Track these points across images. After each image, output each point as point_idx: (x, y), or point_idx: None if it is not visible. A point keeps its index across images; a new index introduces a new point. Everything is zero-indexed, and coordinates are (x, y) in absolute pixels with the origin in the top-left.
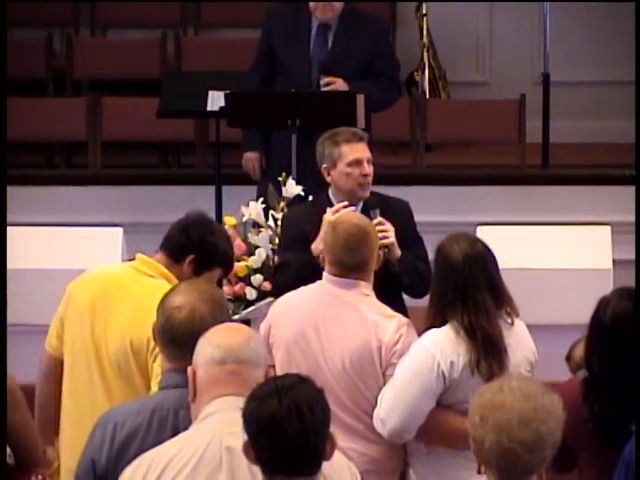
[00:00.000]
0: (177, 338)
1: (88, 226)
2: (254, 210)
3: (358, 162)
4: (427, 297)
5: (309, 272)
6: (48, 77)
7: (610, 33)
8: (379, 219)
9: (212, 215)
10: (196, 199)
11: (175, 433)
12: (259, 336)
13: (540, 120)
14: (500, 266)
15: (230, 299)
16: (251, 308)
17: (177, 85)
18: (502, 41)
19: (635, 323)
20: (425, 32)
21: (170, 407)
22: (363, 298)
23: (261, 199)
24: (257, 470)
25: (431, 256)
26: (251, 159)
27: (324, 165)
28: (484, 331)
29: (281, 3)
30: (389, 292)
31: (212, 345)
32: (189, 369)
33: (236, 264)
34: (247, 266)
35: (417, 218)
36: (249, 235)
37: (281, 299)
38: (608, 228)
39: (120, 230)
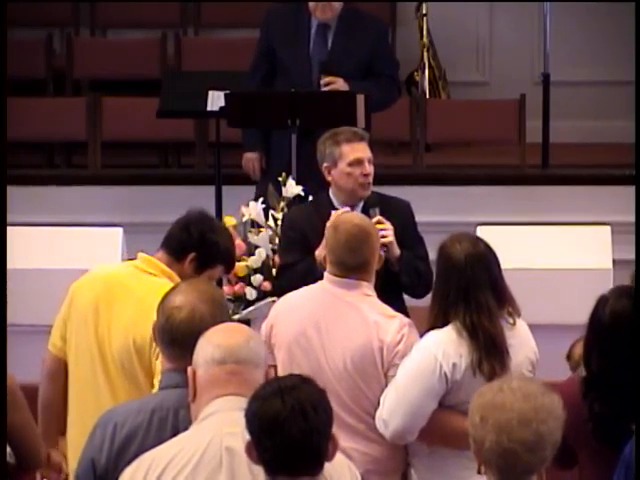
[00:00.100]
0: (177, 338)
1: (88, 226)
2: (254, 210)
3: (359, 162)
4: (428, 297)
5: (312, 279)
6: (48, 77)
7: (610, 33)
8: (378, 218)
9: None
10: (196, 199)
11: (175, 433)
12: (259, 336)
13: (540, 120)
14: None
15: (230, 299)
16: (251, 308)
17: (177, 85)
18: (502, 41)
19: (634, 321)
20: (425, 32)
21: (170, 407)
22: (365, 298)
23: (261, 199)
24: (257, 470)
25: (432, 256)
26: (251, 159)
27: (325, 164)
28: (486, 331)
29: (280, 3)
30: (390, 292)
31: (212, 345)
32: (189, 369)
33: (236, 264)
34: (247, 266)
35: (417, 218)
36: (249, 235)
37: (283, 299)
38: (608, 228)
39: (120, 230)
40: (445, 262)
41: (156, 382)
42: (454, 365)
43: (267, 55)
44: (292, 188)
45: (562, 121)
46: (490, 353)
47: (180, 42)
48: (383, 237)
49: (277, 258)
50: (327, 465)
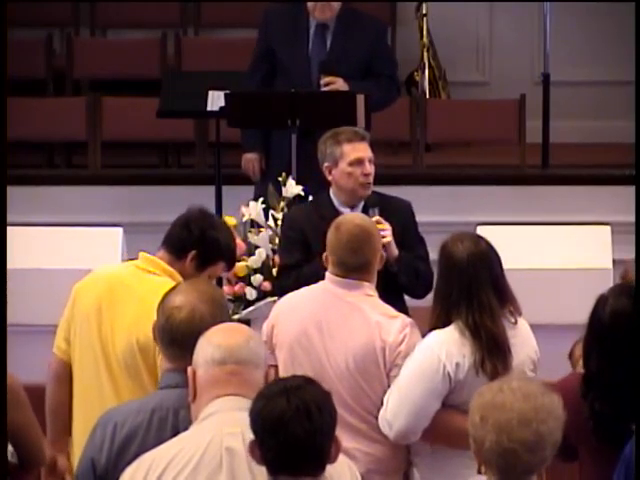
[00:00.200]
0: (177, 338)
1: (88, 226)
2: (254, 210)
3: (360, 161)
4: (428, 298)
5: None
6: (48, 77)
7: (610, 33)
8: (377, 218)
9: None
10: (196, 199)
11: (175, 433)
12: (259, 336)
13: (540, 120)
14: None
15: (230, 299)
16: (251, 308)
17: (177, 85)
18: (502, 41)
19: (634, 321)
20: (425, 32)
21: (170, 407)
22: (366, 299)
23: (261, 199)
24: (257, 471)
25: (432, 256)
26: (251, 160)
27: (326, 164)
28: (488, 331)
29: (278, 4)
30: (390, 292)
31: (212, 345)
32: (189, 369)
33: (236, 264)
34: (247, 266)
35: (417, 218)
36: (249, 235)
37: (284, 299)
38: (608, 228)
39: (120, 230)
40: (447, 261)
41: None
42: (457, 365)
43: (266, 55)
44: (292, 188)
45: (562, 121)
46: (492, 353)
47: (180, 42)
48: (382, 237)
49: (277, 258)
50: (327, 465)
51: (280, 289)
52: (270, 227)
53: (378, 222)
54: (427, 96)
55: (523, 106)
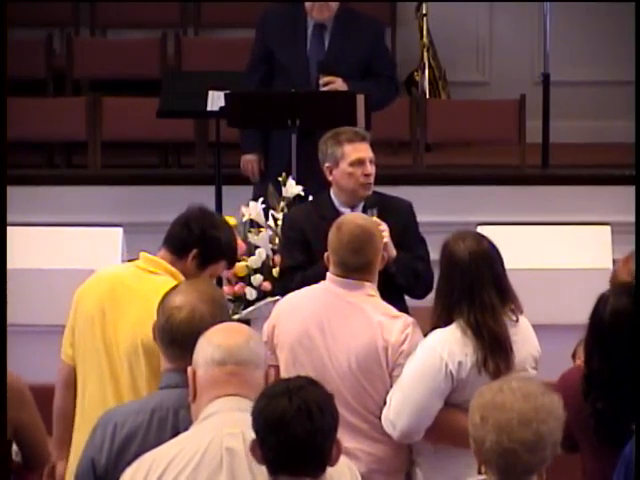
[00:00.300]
0: (177, 338)
1: (88, 226)
2: (254, 210)
3: (360, 162)
4: (428, 297)
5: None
6: (48, 77)
7: (610, 33)
8: (374, 218)
9: None
10: (196, 199)
11: (175, 433)
12: (259, 336)
13: (540, 120)
14: None
15: (230, 299)
16: (251, 308)
17: (177, 85)
18: (502, 41)
19: (634, 319)
20: (425, 32)
21: (170, 407)
22: (368, 299)
23: (261, 199)
24: (258, 471)
25: (433, 256)
26: (250, 161)
27: (326, 164)
28: (490, 330)
29: (276, 4)
30: (391, 292)
31: (212, 345)
32: (189, 369)
33: (236, 264)
34: (247, 266)
35: (417, 218)
36: (249, 235)
37: (285, 299)
38: (608, 228)
39: (120, 230)
40: (449, 260)
41: None
42: (460, 364)
43: (264, 57)
44: (292, 188)
45: (562, 121)
46: (495, 352)
47: (180, 42)
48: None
49: (277, 258)
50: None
51: (284, 291)
52: (270, 227)
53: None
54: (427, 96)
55: (523, 106)
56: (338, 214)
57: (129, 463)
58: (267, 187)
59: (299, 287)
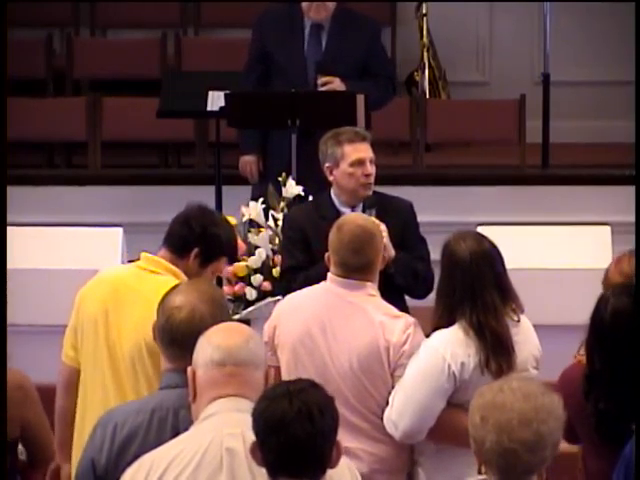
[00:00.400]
0: (177, 338)
1: (88, 226)
2: (254, 210)
3: (361, 162)
4: (428, 297)
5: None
6: (48, 77)
7: (610, 33)
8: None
9: None
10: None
11: (175, 433)
12: (259, 336)
13: (540, 120)
14: None
15: (230, 299)
16: (251, 308)
17: (177, 85)
18: (502, 41)
19: (635, 319)
20: (425, 32)
21: (170, 407)
22: (369, 299)
23: (261, 199)
24: (258, 471)
25: (434, 256)
26: (248, 162)
27: (327, 164)
28: (493, 330)
29: (273, 5)
30: (391, 292)
31: (211, 346)
32: (189, 369)
33: (236, 264)
34: (247, 266)
35: (417, 218)
36: (249, 235)
37: (286, 300)
38: (608, 228)
39: (120, 230)
40: (450, 260)
41: None
42: (462, 364)
43: (261, 57)
44: (292, 188)
45: (562, 121)
46: (497, 352)
47: (180, 42)
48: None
49: (277, 258)
50: None
51: (285, 291)
52: (270, 227)
53: None
54: (427, 96)
55: (523, 106)
56: (338, 214)
57: (129, 463)
58: (267, 187)
59: (300, 287)
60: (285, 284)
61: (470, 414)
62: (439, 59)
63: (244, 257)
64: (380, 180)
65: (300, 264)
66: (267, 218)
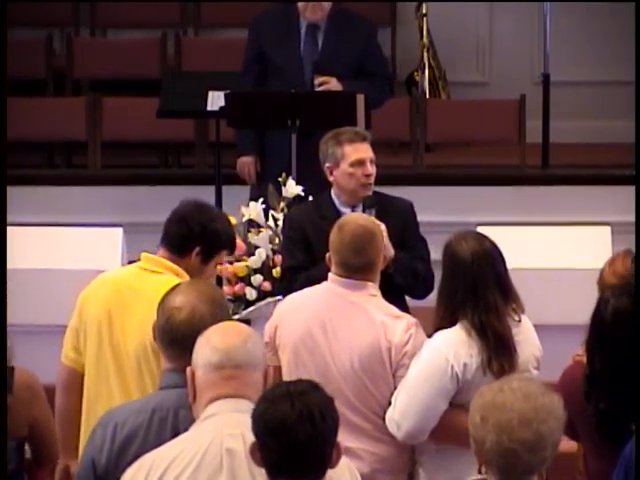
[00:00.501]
0: (177, 339)
1: (88, 226)
2: (254, 210)
3: (361, 162)
4: (429, 297)
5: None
6: (48, 77)
7: (610, 33)
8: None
9: None
10: None
11: (175, 433)
12: (258, 336)
13: (540, 120)
14: None
15: (230, 299)
16: (251, 308)
17: (177, 85)
18: (502, 41)
19: (635, 319)
20: (425, 32)
21: (170, 407)
22: (370, 299)
23: (261, 199)
24: (257, 472)
25: (434, 256)
26: (246, 163)
27: (327, 164)
28: (495, 331)
29: (269, 6)
30: (391, 292)
31: (210, 347)
32: (188, 370)
33: (236, 264)
34: (247, 266)
35: (417, 218)
36: (249, 235)
37: (287, 300)
38: (608, 228)
39: (120, 230)
40: (451, 260)
41: None
42: (465, 365)
43: (257, 58)
44: (292, 188)
45: (562, 121)
46: (499, 352)
47: (180, 42)
48: None
49: (277, 258)
50: None
51: (287, 291)
52: (270, 227)
53: None
54: (427, 96)
55: (523, 106)
56: (339, 214)
57: (129, 463)
58: (267, 187)
59: (302, 287)
60: (286, 284)
61: (470, 414)
62: (439, 59)
63: (244, 257)
64: (380, 180)
65: (301, 264)
66: (267, 218)
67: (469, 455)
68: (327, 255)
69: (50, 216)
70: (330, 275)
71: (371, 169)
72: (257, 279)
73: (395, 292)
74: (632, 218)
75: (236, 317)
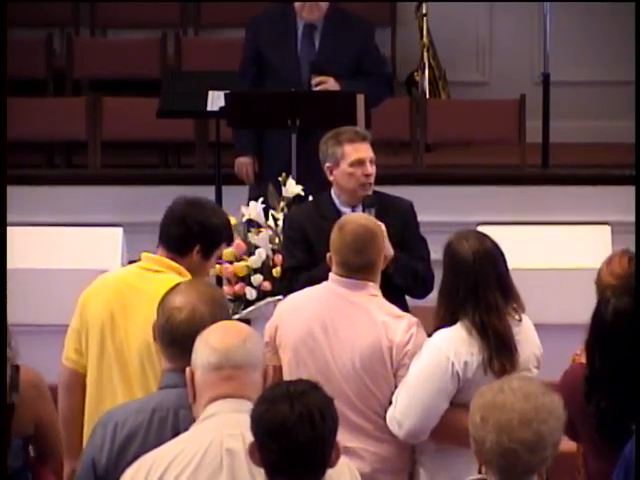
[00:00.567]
0: (177, 339)
1: (88, 226)
2: (254, 210)
3: (361, 162)
4: (429, 297)
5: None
6: (48, 77)
7: (610, 33)
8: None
9: None
10: None
11: (175, 433)
12: (257, 336)
13: (540, 120)
14: None
15: (230, 299)
16: (251, 308)
17: (177, 85)
18: (502, 41)
19: (635, 319)
20: (425, 32)
21: (170, 407)
22: (371, 299)
23: (261, 199)
24: (257, 472)
25: (434, 255)
26: (244, 164)
27: (327, 164)
28: (495, 330)
29: (266, 6)
30: (391, 292)
31: (209, 348)
32: (187, 370)
33: (236, 264)
34: (247, 266)
35: (417, 218)
36: (249, 235)
37: (287, 300)
38: (608, 228)
39: (120, 230)
40: (452, 259)
41: None
42: (466, 364)
43: (254, 58)
44: (292, 188)
45: (562, 121)
46: (500, 351)
47: (180, 42)
48: None
49: (277, 258)
50: None
51: (287, 291)
52: (270, 227)
53: None
54: (427, 96)
55: (523, 106)
56: (339, 214)
57: (129, 463)
58: (265, 187)
59: (303, 287)
60: (286, 284)
61: (470, 414)
62: (439, 59)
63: (244, 257)
64: (380, 180)
65: (301, 264)
66: (267, 218)
67: (469, 455)
68: (328, 255)
69: (50, 216)
70: (331, 275)
71: (371, 169)
72: (257, 279)
73: (395, 292)
74: (632, 218)
75: (236, 317)
